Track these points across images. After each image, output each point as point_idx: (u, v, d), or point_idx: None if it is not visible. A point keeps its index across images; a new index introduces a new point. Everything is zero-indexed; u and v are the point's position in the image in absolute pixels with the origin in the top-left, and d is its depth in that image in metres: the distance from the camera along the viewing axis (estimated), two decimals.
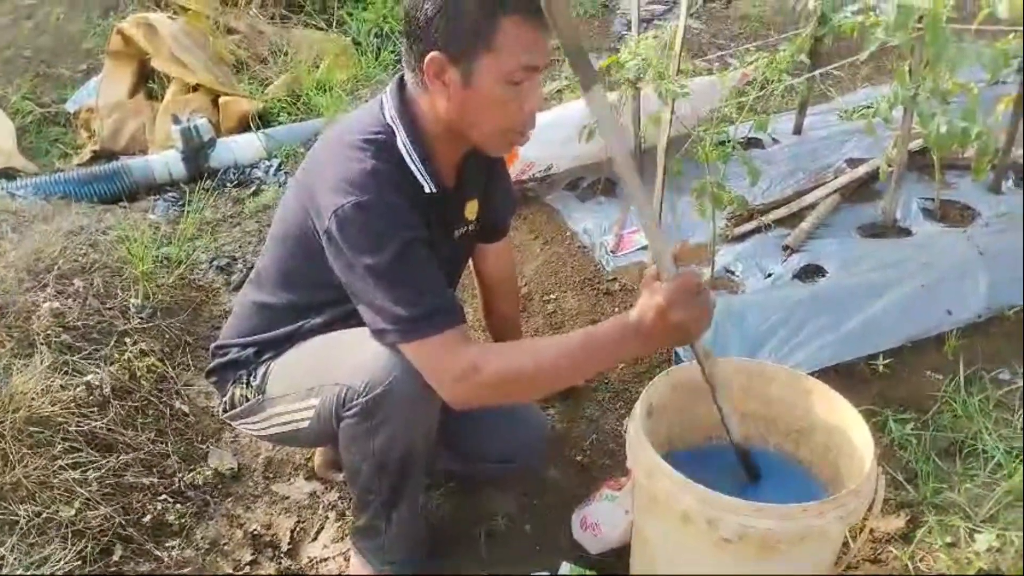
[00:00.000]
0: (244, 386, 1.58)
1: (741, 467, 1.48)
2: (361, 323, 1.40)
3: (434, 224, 1.42)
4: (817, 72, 2.45)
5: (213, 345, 1.69)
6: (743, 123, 2.15)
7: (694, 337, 1.29)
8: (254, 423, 1.61)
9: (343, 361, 1.40)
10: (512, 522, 1.77)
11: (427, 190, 1.38)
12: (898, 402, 1.99)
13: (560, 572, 1.60)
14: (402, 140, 1.36)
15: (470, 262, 1.82)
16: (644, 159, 2.74)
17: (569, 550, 1.69)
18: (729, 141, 1.99)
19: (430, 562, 1.65)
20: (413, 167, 1.36)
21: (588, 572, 1.60)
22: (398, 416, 1.36)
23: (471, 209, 1.61)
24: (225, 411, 1.65)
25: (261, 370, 1.56)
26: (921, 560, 1.65)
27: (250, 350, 1.59)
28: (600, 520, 1.62)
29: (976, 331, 2.14)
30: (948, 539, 1.66)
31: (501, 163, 1.70)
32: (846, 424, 1.42)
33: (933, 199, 2.44)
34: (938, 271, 2.19)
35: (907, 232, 2.38)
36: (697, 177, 2.19)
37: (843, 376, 2.03)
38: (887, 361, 2.05)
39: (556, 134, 2.62)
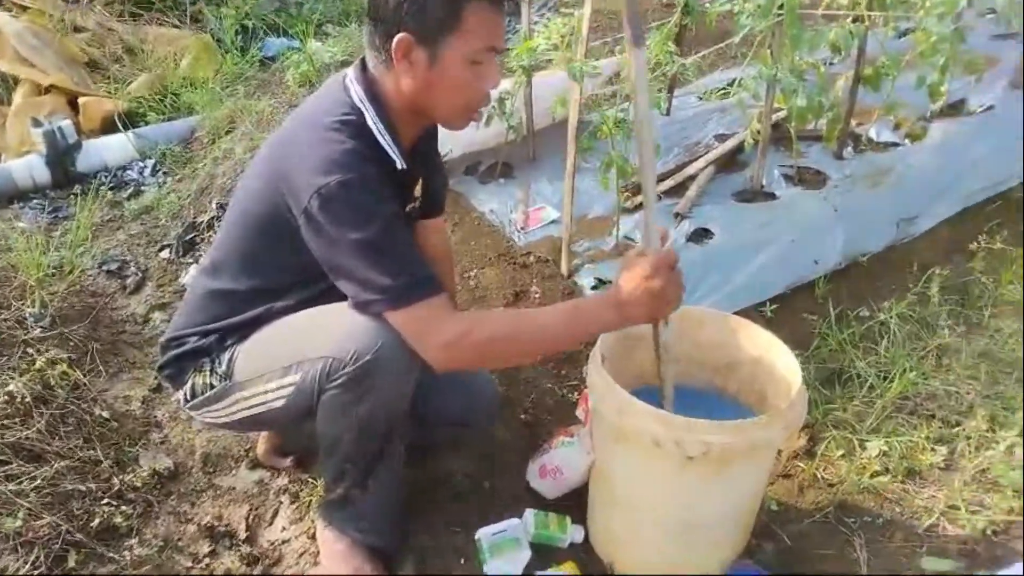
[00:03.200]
0: (208, 373, 1.58)
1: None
2: (327, 303, 1.45)
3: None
4: (694, 56, 2.70)
5: (164, 339, 1.67)
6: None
7: (668, 309, 1.41)
8: (218, 410, 1.60)
9: (323, 335, 1.43)
10: (471, 480, 1.87)
11: (398, 166, 1.45)
12: (785, 342, 2.26)
13: (525, 517, 1.73)
14: (372, 120, 1.42)
15: None
16: (536, 140, 2.91)
17: (527, 498, 1.82)
18: (628, 120, 2.18)
19: (404, 523, 1.72)
20: (385, 145, 1.42)
21: (551, 513, 1.73)
22: (385, 383, 1.41)
23: (419, 186, 1.69)
24: (186, 401, 1.63)
25: (226, 355, 1.56)
26: (824, 470, 1.92)
27: (211, 337, 1.58)
28: (561, 464, 1.74)
29: (839, 276, 2.47)
30: (844, 451, 1.94)
31: (436, 140, 1.79)
32: (771, 354, 1.64)
33: (791, 166, 2.76)
34: (803, 228, 2.50)
35: (772, 196, 2.68)
36: (597, 153, 2.38)
37: None
38: (773, 307, 2.33)
39: None
